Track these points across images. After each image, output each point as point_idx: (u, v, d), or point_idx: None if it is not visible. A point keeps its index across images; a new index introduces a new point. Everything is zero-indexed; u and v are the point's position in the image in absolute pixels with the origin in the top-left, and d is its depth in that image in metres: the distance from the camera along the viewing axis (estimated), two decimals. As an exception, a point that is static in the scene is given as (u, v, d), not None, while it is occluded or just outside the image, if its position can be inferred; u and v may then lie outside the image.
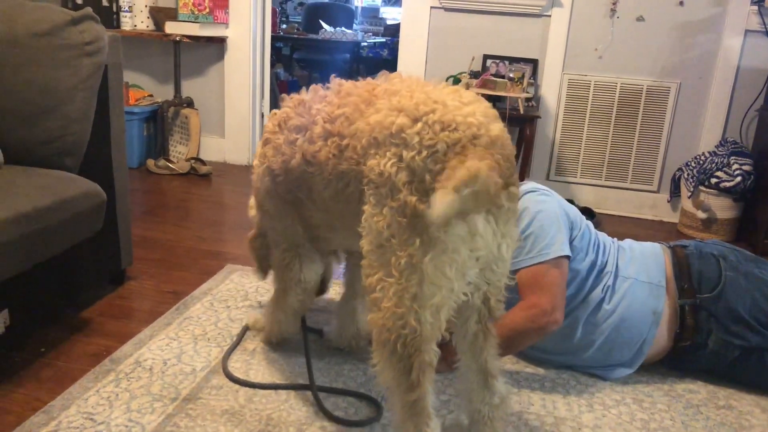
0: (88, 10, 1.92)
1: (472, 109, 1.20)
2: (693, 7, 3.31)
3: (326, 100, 1.44)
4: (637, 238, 2.09)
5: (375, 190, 1.22)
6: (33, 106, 1.84)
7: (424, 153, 1.16)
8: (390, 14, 7.84)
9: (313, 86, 1.57)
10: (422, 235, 1.16)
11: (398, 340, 1.22)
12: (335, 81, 1.49)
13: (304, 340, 1.77)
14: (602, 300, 1.77)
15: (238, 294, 2.21)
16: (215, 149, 4.07)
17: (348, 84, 1.45)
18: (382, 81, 1.39)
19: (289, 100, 1.61)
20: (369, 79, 1.44)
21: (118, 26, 3.73)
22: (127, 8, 3.70)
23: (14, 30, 1.84)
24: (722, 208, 3.20)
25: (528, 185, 1.81)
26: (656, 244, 1.93)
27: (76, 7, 3.51)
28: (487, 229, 1.19)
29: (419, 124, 1.18)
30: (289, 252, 1.69)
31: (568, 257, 1.71)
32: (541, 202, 1.74)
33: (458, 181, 1.06)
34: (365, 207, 1.26)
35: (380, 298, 1.23)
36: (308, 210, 1.55)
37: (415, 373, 1.22)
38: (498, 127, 1.20)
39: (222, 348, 1.84)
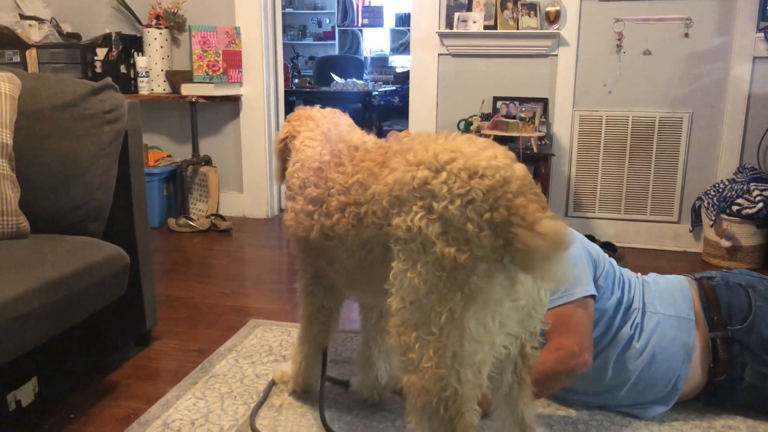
0: (108, 80, 1.99)
1: (492, 153, 1.20)
2: (698, 38, 3.34)
3: (340, 170, 1.44)
4: (661, 269, 2.07)
5: (404, 246, 1.21)
6: (57, 175, 1.89)
7: (458, 202, 1.15)
8: (399, 62, 8.00)
9: (326, 137, 1.59)
10: (463, 288, 1.14)
11: (440, 404, 1.19)
12: (350, 146, 1.49)
13: (320, 390, 1.77)
14: (631, 338, 1.74)
15: (262, 349, 2.20)
16: (234, 205, 4.12)
17: (361, 149, 1.45)
18: (393, 141, 1.40)
19: (328, 145, 1.57)
20: (380, 141, 1.47)
21: (136, 91, 3.85)
22: (144, 73, 3.83)
23: (38, 103, 1.91)
24: (746, 235, 3.15)
25: None
26: (681, 277, 1.90)
27: (96, 76, 3.64)
28: (526, 275, 1.16)
29: (444, 174, 1.18)
30: (314, 280, 1.72)
31: (593, 297, 1.69)
32: None
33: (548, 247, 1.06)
34: (394, 264, 1.24)
35: (418, 358, 1.19)
36: (332, 272, 1.56)
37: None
38: (521, 167, 1.20)
39: (249, 405, 1.83)
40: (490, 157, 1.19)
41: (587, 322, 1.65)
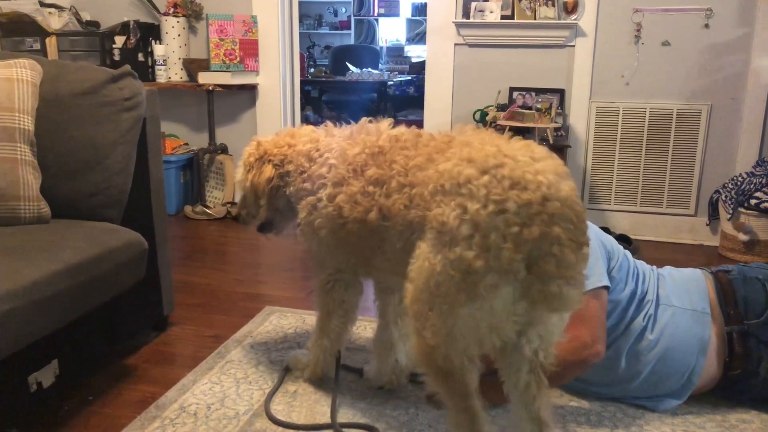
0: (127, 67, 2.01)
1: (543, 166, 1.19)
2: (719, 29, 3.30)
3: (404, 153, 1.44)
4: (676, 263, 2.06)
5: (435, 235, 1.24)
6: (77, 161, 1.91)
7: (491, 207, 1.15)
8: (415, 52, 7.97)
9: (376, 126, 1.61)
10: (469, 292, 1.18)
11: (436, 364, 1.30)
12: (412, 131, 1.52)
13: (335, 380, 1.81)
14: (644, 329, 1.74)
15: (277, 336, 2.23)
16: (249, 193, 4.14)
17: (426, 135, 1.48)
18: (457, 133, 1.41)
19: (361, 136, 1.58)
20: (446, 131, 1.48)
21: (154, 79, 3.87)
22: (161, 62, 3.85)
23: (58, 90, 1.93)
24: (764, 229, 3.12)
25: None
26: (697, 270, 1.89)
27: (114, 64, 3.67)
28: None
29: (486, 177, 1.18)
30: (335, 276, 1.73)
31: (607, 288, 1.69)
32: None
33: None
34: (421, 243, 1.29)
35: (420, 327, 1.29)
36: (377, 258, 1.55)
37: (458, 384, 1.30)
38: (568, 186, 1.19)
39: (264, 390, 1.86)
40: (539, 170, 1.18)
41: (600, 312, 1.65)
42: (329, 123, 1.77)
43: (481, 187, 1.17)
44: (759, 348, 1.71)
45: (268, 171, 1.76)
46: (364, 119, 1.67)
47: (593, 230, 1.77)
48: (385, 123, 1.62)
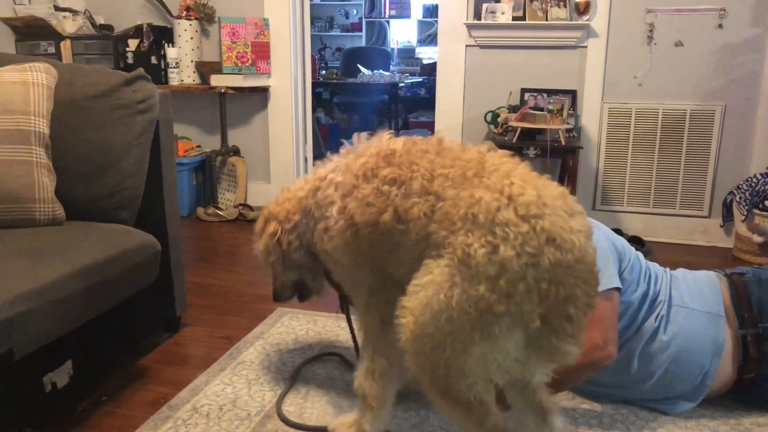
0: (140, 70, 2.03)
1: (577, 225, 1.22)
2: (733, 29, 3.27)
3: (427, 157, 1.38)
4: (690, 264, 2.05)
5: (457, 264, 1.20)
6: (91, 164, 1.93)
7: (524, 259, 1.16)
8: (426, 54, 7.96)
9: (376, 137, 1.56)
10: (483, 331, 1.18)
11: (446, 398, 1.30)
12: (435, 138, 1.46)
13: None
14: (657, 330, 1.73)
15: (288, 337, 2.23)
16: (262, 195, 4.16)
17: (448, 142, 1.43)
18: (486, 150, 1.37)
19: (364, 149, 1.52)
20: (475, 147, 1.42)
21: (167, 82, 3.90)
22: (174, 64, 3.88)
23: (73, 94, 1.95)
24: (779, 230, 3.09)
25: None
26: (711, 272, 1.87)
27: (127, 67, 3.70)
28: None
29: (525, 227, 1.17)
30: (374, 294, 1.53)
31: (618, 289, 1.69)
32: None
33: None
34: (432, 265, 1.25)
35: (424, 366, 1.28)
36: (391, 264, 1.46)
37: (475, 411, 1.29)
38: (593, 249, 1.25)
39: (275, 392, 1.86)
40: (575, 228, 1.20)
41: (612, 314, 1.65)
42: (318, 162, 1.70)
43: (519, 236, 1.16)
44: (774, 351, 1.70)
45: (272, 227, 1.71)
46: (357, 134, 1.62)
47: (603, 231, 1.76)
48: (386, 134, 1.56)
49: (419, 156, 1.39)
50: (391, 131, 1.58)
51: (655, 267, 1.85)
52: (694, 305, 1.76)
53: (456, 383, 1.25)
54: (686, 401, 1.76)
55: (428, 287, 1.23)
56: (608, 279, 1.66)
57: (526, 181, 1.25)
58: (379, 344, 1.52)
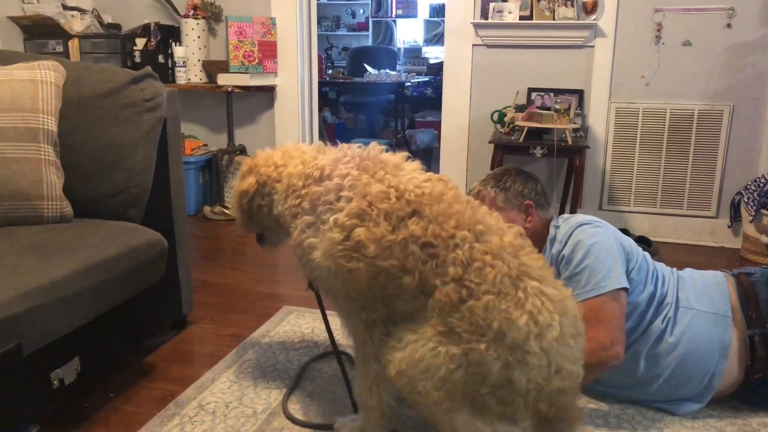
0: (148, 68, 2.04)
1: (578, 351, 1.34)
2: (741, 29, 3.25)
3: (464, 223, 1.36)
4: (697, 265, 2.04)
5: (466, 360, 1.27)
6: (99, 161, 1.94)
7: (531, 385, 1.27)
8: (432, 53, 7.96)
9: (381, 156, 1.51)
10: (473, 409, 1.30)
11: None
12: (469, 198, 1.46)
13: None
14: (663, 332, 1.72)
15: (294, 335, 2.24)
16: (267, 193, 4.17)
17: (484, 208, 1.46)
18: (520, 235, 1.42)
19: (378, 165, 1.47)
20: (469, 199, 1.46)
21: (174, 81, 3.91)
22: (181, 63, 3.89)
23: (81, 91, 1.96)
24: (787, 231, 3.07)
25: (580, 217, 1.80)
26: (718, 273, 1.86)
27: (135, 66, 3.71)
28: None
29: (544, 360, 1.27)
30: (367, 312, 1.46)
31: (625, 289, 1.68)
32: (595, 234, 1.71)
33: None
34: (442, 340, 1.30)
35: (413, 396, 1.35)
36: (387, 298, 1.42)
37: None
38: (581, 369, 1.35)
39: (281, 390, 1.87)
40: (577, 357, 1.32)
41: (619, 314, 1.64)
42: (320, 143, 1.67)
43: (535, 367, 1.26)
44: (781, 352, 1.69)
45: (246, 183, 1.69)
46: (354, 145, 1.58)
47: (611, 231, 1.75)
48: (399, 156, 1.51)
49: (455, 219, 1.35)
50: (407, 153, 1.54)
51: (662, 268, 1.84)
52: (701, 306, 1.75)
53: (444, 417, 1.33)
54: (693, 402, 1.75)
55: (429, 340, 1.30)
56: (616, 279, 1.65)
57: (551, 299, 1.31)
58: (368, 348, 1.47)
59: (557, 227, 1.81)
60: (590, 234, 1.71)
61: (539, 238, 1.82)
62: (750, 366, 1.71)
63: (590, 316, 1.62)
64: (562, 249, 1.73)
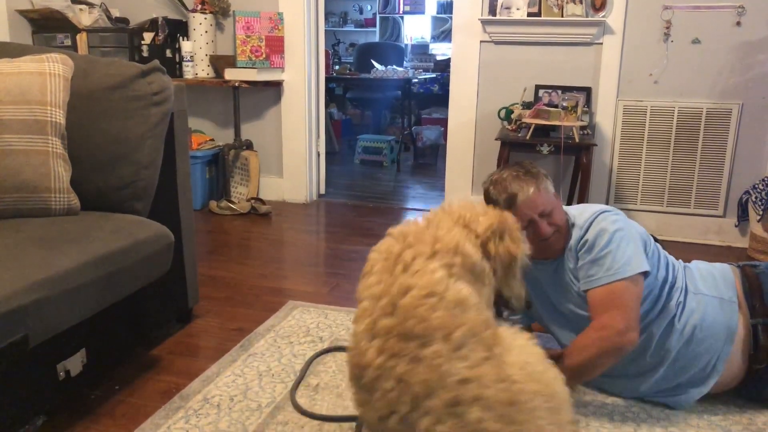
0: (156, 62, 2.04)
1: None
2: (751, 27, 3.23)
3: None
4: (704, 264, 2.04)
5: None
6: (106, 154, 1.95)
7: None
8: (439, 50, 7.94)
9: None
10: None
11: None
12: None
13: None
14: (674, 316, 1.74)
15: (300, 330, 2.24)
16: (274, 189, 4.18)
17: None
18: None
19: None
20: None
21: (181, 75, 3.92)
22: (188, 58, 3.89)
23: (89, 84, 1.96)
24: (795, 231, 3.06)
25: (597, 206, 1.83)
26: (724, 264, 1.88)
27: (142, 60, 3.71)
28: None
29: None
30: None
31: (646, 274, 1.70)
32: (617, 222, 1.75)
33: None
34: None
35: None
36: None
37: None
38: None
39: (286, 384, 1.87)
40: None
41: (636, 299, 1.66)
42: None
43: None
44: (784, 342, 1.69)
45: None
46: None
47: (624, 218, 1.78)
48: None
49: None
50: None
51: (670, 257, 1.88)
52: (708, 291, 1.78)
53: None
54: (696, 388, 1.74)
55: None
56: (638, 263, 1.68)
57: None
58: None
59: (568, 215, 1.84)
60: (612, 221, 1.74)
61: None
62: (753, 356, 1.72)
63: (608, 301, 1.65)
64: (584, 234, 1.75)
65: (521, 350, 1.28)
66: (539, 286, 1.89)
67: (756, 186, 3.24)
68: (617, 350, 1.62)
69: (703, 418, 1.73)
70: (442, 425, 1.15)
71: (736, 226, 3.41)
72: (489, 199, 1.81)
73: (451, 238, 1.36)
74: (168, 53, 3.90)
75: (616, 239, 1.70)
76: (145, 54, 3.79)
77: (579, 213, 1.83)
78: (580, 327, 1.74)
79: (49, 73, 1.84)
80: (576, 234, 1.78)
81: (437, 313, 1.22)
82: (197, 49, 3.92)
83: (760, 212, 3.14)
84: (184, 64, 3.91)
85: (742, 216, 3.36)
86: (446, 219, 1.45)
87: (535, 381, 1.22)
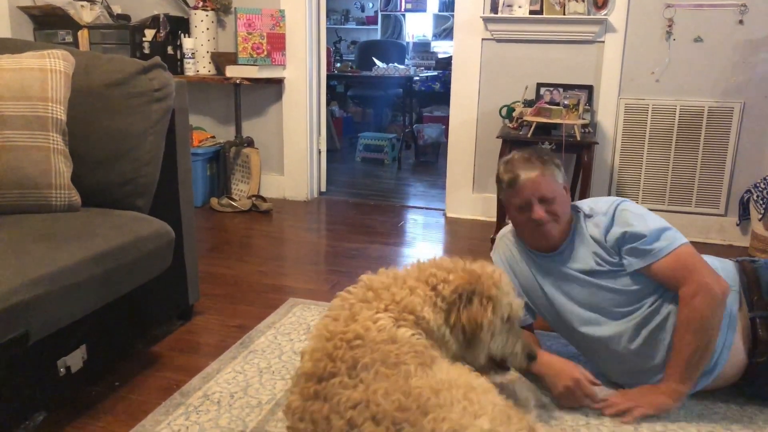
0: (157, 59, 2.04)
1: None
2: (754, 25, 3.22)
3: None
4: (705, 263, 2.04)
5: None
6: (107, 151, 1.95)
7: None
8: (441, 48, 7.94)
9: None
10: None
11: None
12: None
13: None
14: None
15: (300, 327, 2.24)
16: (275, 186, 4.18)
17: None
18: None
19: None
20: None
21: (182, 72, 3.92)
22: (190, 55, 3.89)
23: (90, 81, 1.96)
24: (796, 230, 3.05)
25: (609, 198, 1.88)
26: (725, 259, 1.89)
27: (144, 57, 3.71)
28: None
29: None
30: None
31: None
32: (638, 207, 1.83)
33: None
34: None
35: None
36: None
37: None
38: None
39: (286, 380, 1.87)
40: None
41: (698, 257, 1.73)
42: None
43: None
44: (783, 335, 1.69)
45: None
46: None
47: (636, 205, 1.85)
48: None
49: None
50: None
51: None
52: None
53: None
54: (703, 376, 1.74)
55: None
56: (677, 235, 1.76)
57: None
58: None
59: (581, 208, 1.88)
60: (634, 207, 1.82)
61: (569, 217, 1.87)
62: (752, 349, 1.72)
63: (680, 267, 1.71)
64: (613, 220, 1.80)
65: (450, 369, 1.33)
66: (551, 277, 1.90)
67: (757, 185, 3.23)
68: (721, 301, 1.66)
69: (704, 416, 1.73)
70: None
71: (737, 224, 3.41)
72: (498, 178, 1.88)
73: (409, 301, 1.42)
74: (169, 50, 3.90)
75: (651, 218, 1.78)
76: (146, 51, 3.79)
77: (594, 203, 1.89)
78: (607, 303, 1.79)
79: (50, 70, 1.84)
80: (602, 221, 1.82)
81: (353, 352, 1.30)
82: (198, 46, 3.92)
83: (762, 211, 3.13)
84: (185, 61, 3.90)
85: (744, 215, 3.35)
86: (415, 276, 1.50)
87: (444, 382, 1.25)
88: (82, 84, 1.94)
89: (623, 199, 1.86)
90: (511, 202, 1.85)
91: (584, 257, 1.83)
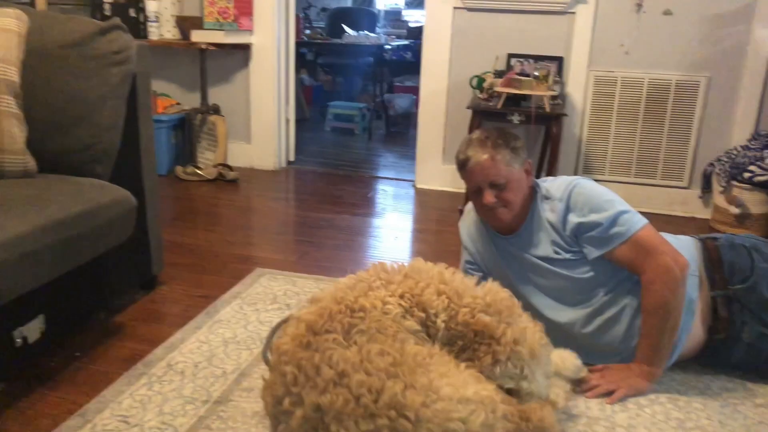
0: (116, 20, 1.96)
1: None
2: (722, -1, 3.25)
3: None
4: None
5: None
6: (64, 115, 1.88)
7: None
8: (413, 17, 7.85)
9: None
10: None
11: None
12: None
13: None
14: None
15: (267, 297, 2.22)
16: (242, 155, 4.11)
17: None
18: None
19: None
20: None
21: (146, 36, 3.79)
22: (153, 18, 3.76)
23: (45, 42, 1.88)
24: (756, 202, 3.12)
25: (566, 178, 1.85)
26: (687, 237, 1.90)
27: (104, 19, 3.58)
28: None
29: None
30: None
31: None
32: (595, 187, 1.81)
33: None
34: None
35: None
36: None
37: None
38: None
39: (252, 350, 1.86)
40: None
41: (659, 237, 1.73)
42: None
43: None
44: (743, 313, 1.73)
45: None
46: None
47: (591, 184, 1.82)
48: None
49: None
50: None
51: None
52: None
53: None
54: None
55: None
56: (638, 216, 1.74)
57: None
58: None
59: (539, 188, 1.86)
60: (589, 188, 1.79)
61: (528, 199, 1.84)
62: (712, 327, 1.75)
63: (640, 251, 1.70)
64: (567, 212, 1.77)
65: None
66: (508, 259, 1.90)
67: (720, 158, 3.29)
68: (682, 281, 1.67)
69: (662, 383, 1.77)
70: (328, 395, 1.25)
71: (700, 197, 3.47)
72: (455, 156, 1.86)
73: (427, 300, 1.48)
74: (132, 13, 3.76)
75: (609, 201, 1.76)
76: (107, 13, 3.65)
77: (551, 184, 1.86)
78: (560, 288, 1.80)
79: (1, 29, 1.76)
80: (558, 207, 1.79)
81: (353, 319, 1.37)
82: (162, 9, 3.79)
83: (723, 184, 3.19)
84: (148, 24, 3.77)
85: (706, 187, 3.42)
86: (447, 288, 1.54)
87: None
88: (36, 45, 1.86)
89: (577, 179, 1.81)
90: (466, 184, 1.85)
91: (542, 244, 1.82)
